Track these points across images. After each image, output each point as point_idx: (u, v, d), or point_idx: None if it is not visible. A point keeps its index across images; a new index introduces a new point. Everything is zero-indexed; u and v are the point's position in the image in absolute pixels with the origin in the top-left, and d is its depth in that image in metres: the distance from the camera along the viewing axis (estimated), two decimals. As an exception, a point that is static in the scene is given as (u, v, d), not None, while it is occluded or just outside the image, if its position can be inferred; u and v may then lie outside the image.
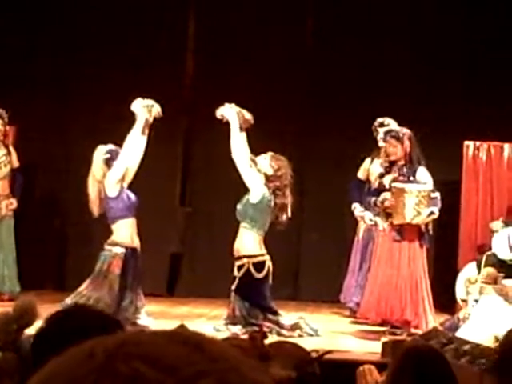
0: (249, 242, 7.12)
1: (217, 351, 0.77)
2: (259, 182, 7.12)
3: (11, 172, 8.87)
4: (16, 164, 8.91)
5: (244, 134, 7.15)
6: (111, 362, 0.74)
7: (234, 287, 7.07)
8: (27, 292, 7.72)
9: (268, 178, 7.13)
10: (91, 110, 9.55)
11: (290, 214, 7.22)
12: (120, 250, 7.13)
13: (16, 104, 8.83)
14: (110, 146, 7.27)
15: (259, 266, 7.07)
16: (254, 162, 7.11)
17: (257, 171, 7.12)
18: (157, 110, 7.24)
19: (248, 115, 7.18)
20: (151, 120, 7.25)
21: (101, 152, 7.24)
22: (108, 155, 7.22)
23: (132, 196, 7.28)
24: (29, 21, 9.57)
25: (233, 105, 7.15)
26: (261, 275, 7.04)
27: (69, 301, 7.18)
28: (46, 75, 9.53)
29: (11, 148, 8.92)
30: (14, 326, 3.37)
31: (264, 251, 7.13)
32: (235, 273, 7.10)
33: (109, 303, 6.97)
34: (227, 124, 7.18)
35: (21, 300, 3.63)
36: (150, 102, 7.23)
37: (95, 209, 7.30)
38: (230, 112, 7.14)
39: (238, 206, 7.16)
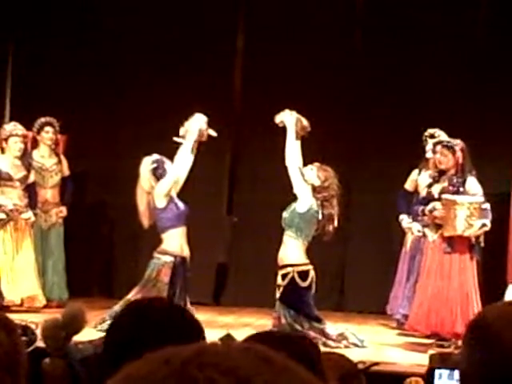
0: (293, 251, 7.13)
1: (285, 364, 0.81)
2: (308, 191, 7.14)
3: (62, 180, 8.99)
4: (66, 172, 9.02)
5: (299, 142, 7.19)
6: (187, 369, 0.79)
7: (278, 295, 7.09)
8: (75, 299, 7.80)
9: (315, 189, 7.15)
10: (140, 121, 9.64)
11: (336, 224, 7.22)
12: (169, 259, 7.18)
13: (67, 113, 8.95)
14: (156, 156, 7.34)
15: (303, 274, 7.07)
16: (301, 173, 7.13)
17: (304, 182, 7.14)
18: (207, 134, 7.32)
19: (306, 122, 7.22)
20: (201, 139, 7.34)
21: (147, 163, 7.31)
22: (155, 165, 7.29)
23: (181, 205, 7.32)
24: (80, 32, 9.68)
25: (293, 112, 7.19)
26: (305, 284, 7.05)
27: (117, 308, 7.25)
28: (97, 85, 9.64)
29: (62, 157, 9.04)
30: (62, 333, 3.41)
31: (308, 260, 7.14)
32: (279, 281, 7.12)
33: None
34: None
35: (69, 307, 3.66)
36: (204, 125, 7.31)
37: (145, 220, 7.36)
38: (289, 118, 7.19)
39: (285, 214, 7.18)
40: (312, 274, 7.10)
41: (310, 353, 1.91)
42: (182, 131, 7.34)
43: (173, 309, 1.91)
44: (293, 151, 7.15)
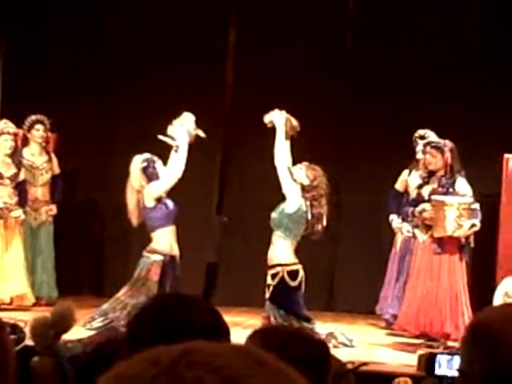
0: (282, 251, 7.14)
1: (275, 366, 0.81)
2: (297, 192, 7.14)
3: (52, 178, 8.97)
4: (57, 170, 9.01)
5: (288, 142, 7.19)
6: (176, 369, 0.78)
7: (268, 295, 7.10)
8: (65, 297, 7.79)
9: (304, 189, 7.15)
10: (132, 119, 9.63)
11: (325, 223, 7.23)
12: (159, 258, 7.19)
13: (58, 111, 8.93)
14: (147, 155, 7.34)
15: (293, 274, 7.09)
16: (290, 172, 7.14)
17: (293, 181, 7.14)
18: (195, 135, 7.33)
19: (295, 122, 7.21)
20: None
21: (137, 162, 7.31)
22: (145, 164, 7.29)
23: (170, 204, 7.32)
24: (72, 30, 9.67)
25: (283, 111, 7.19)
26: (295, 283, 7.06)
27: (106, 307, 7.25)
28: (88, 83, 9.62)
29: (52, 155, 9.02)
30: (51, 332, 3.40)
31: (297, 260, 7.16)
32: (269, 281, 7.12)
33: None
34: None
35: (59, 305, 3.66)
36: (193, 126, 7.29)
37: (134, 219, 7.37)
38: (278, 118, 7.18)
39: (273, 215, 7.18)
40: (301, 273, 7.11)
41: (318, 353, 1.88)
42: (170, 130, 7.33)
43: (200, 306, 1.85)
44: (282, 151, 7.15)
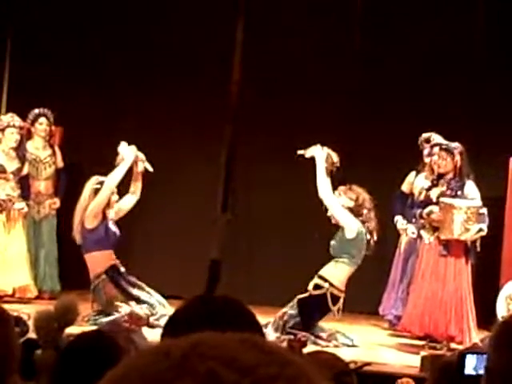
0: (339, 274, 7.18)
1: (286, 356, 0.81)
2: (351, 217, 7.14)
3: (55, 172, 8.95)
4: (60, 164, 8.99)
5: (329, 179, 7.22)
6: (188, 362, 0.78)
7: (300, 297, 7.07)
8: (68, 291, 7.78)
9: (353, 211, 7.18)
10: (136, 114, 9.60)
11: (375, 237, 7.24)
12: (103, 277, 7.22)
13: (62, 105, 8.91)
14: (103, 178, 7.39)
15: (334, 298, 7.10)
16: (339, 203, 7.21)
17: (343, 209, 7.17)
18: (144, 166, 7.38)
19: (336, 158, 7.26)
20: (138, 170, 7.41)
21: (92, 182, 7.41)
22: (98, 186, 7.35)
23: (112, 230, 7.35)
24: (78, 24, 9.64)
25: (324, 147, 7.17)
26: (332, 307, 7.09)
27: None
28: (92, 77, 9.60)
29: (56, 148, 9.00)
30: (54, 325, 3.39)
31: (344, 288, 7.17)
32: (310, 287, 7.12)
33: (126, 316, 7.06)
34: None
35: (62, 299, 3.65)
36: (141, 155, 7.38)
37: (78, 236, 7.41)
38: (319, 153, 7.22)
39: (332, 242, 7.22)
40: (341, 302, 7.13)
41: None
42: (118, 160, 7.44)
43: (238, 308, 1.80)
44: (324, 184, 7.16)
